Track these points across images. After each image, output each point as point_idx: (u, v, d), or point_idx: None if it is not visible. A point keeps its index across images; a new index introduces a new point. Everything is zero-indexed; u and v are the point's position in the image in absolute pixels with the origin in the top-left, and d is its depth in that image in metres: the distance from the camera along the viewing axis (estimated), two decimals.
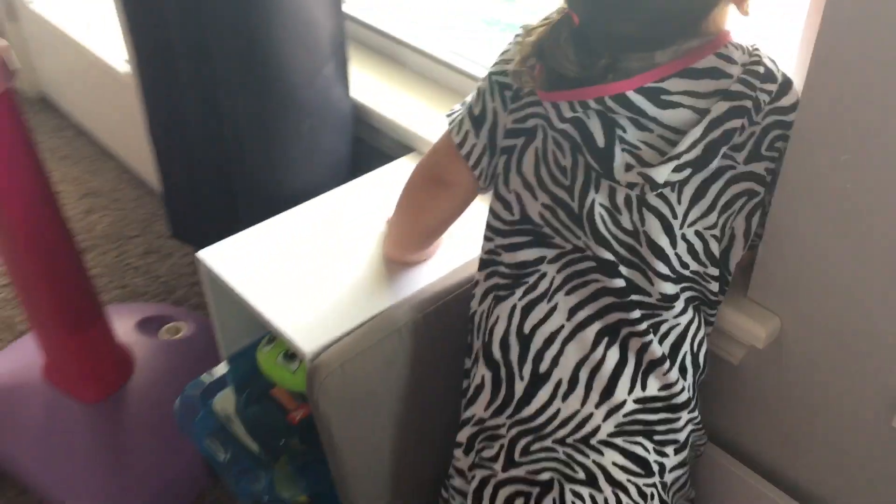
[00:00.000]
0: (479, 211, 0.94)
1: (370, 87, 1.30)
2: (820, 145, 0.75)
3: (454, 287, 0.98)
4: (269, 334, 1.06)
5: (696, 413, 0.88)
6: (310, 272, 1.03)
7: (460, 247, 1.06)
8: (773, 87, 0.77)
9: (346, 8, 1.41)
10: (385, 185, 1.17)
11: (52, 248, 1.34)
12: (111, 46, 1.93)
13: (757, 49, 0.78)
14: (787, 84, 0.78)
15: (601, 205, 0.80)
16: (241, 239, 1.08)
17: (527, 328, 0.86)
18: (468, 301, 0.94)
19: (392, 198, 1.01)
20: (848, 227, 0.77)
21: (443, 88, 1.31)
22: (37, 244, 1.32)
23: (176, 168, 1.46)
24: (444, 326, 0.97)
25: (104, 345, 1.50)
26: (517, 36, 0.85)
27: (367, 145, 1.28)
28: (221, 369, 1.15)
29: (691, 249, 0.81)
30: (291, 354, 1.05)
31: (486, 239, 0.90)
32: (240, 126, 1.11)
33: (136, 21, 1.26)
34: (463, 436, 0.91)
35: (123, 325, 1.61)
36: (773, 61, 0.79)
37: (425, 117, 1.24)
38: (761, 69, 0.76)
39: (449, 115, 0.92)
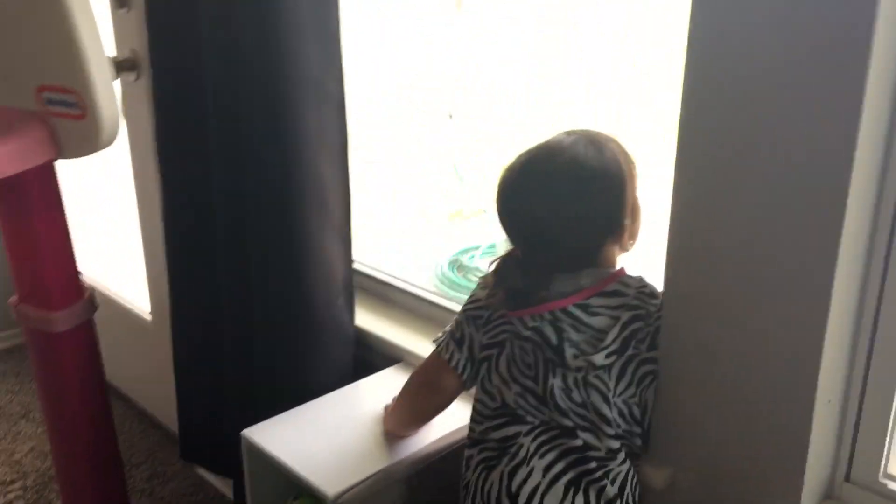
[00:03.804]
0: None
1: (368, 317, 1.72)
2: (685, 339, 1.08)
3: (438, 451, 1.33)
4: (294, 494, 1.37)
5: None
6: (327, 442, 1.35)
7: (438, 424, 1.38)
8: (657, 302, 1.13)
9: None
10: (380, 385, 1.54)
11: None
12: (137, 295, 2.26)
13: (643, 278, 1.17)
14: None
15: (558, 386, 1.12)
16: (275, 420, 1.42)
17: (514, 488, 1.13)
18: (450, 461, 1.28)
19: (383, 396, 1.40)
20: (715, 399, 1.06)
21: (421, 318, 1.72)
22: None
23: (195, 396, 1.82)
24: (433, 481, 1.31)
25: None
26: (479, 281, 1.25)
27: (365, 359, 1.67)
28: None
29: (622, 414, 1.11)
30: None
31: (475, 422, 1.21)
32: (272, 341, 1.55)
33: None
34: None
35: None
36: (655, 287, 1.16)
37: (408, 339, 1.64)
38: (648, 290, 1.14)
39: (435, 341, 1.27)
